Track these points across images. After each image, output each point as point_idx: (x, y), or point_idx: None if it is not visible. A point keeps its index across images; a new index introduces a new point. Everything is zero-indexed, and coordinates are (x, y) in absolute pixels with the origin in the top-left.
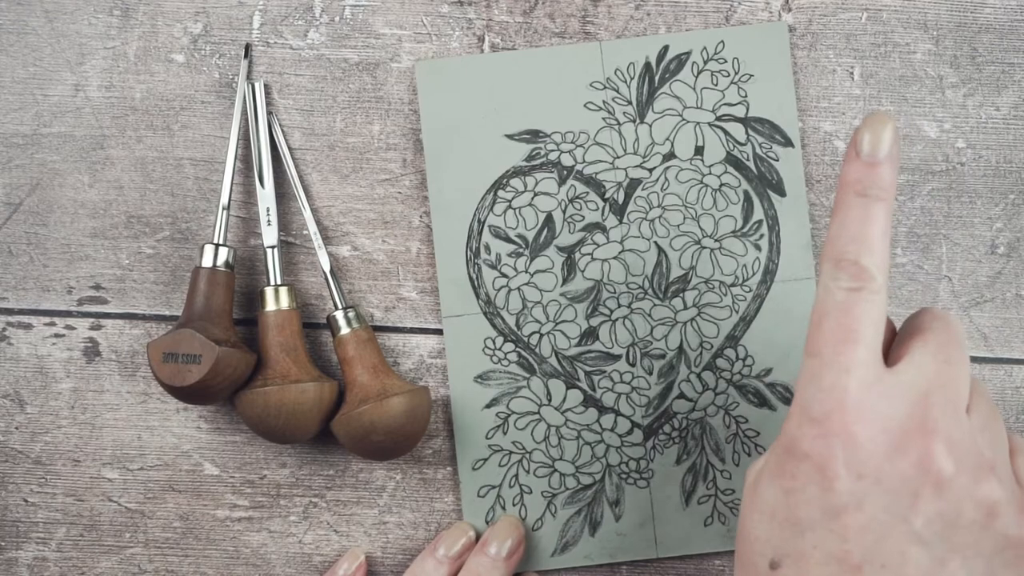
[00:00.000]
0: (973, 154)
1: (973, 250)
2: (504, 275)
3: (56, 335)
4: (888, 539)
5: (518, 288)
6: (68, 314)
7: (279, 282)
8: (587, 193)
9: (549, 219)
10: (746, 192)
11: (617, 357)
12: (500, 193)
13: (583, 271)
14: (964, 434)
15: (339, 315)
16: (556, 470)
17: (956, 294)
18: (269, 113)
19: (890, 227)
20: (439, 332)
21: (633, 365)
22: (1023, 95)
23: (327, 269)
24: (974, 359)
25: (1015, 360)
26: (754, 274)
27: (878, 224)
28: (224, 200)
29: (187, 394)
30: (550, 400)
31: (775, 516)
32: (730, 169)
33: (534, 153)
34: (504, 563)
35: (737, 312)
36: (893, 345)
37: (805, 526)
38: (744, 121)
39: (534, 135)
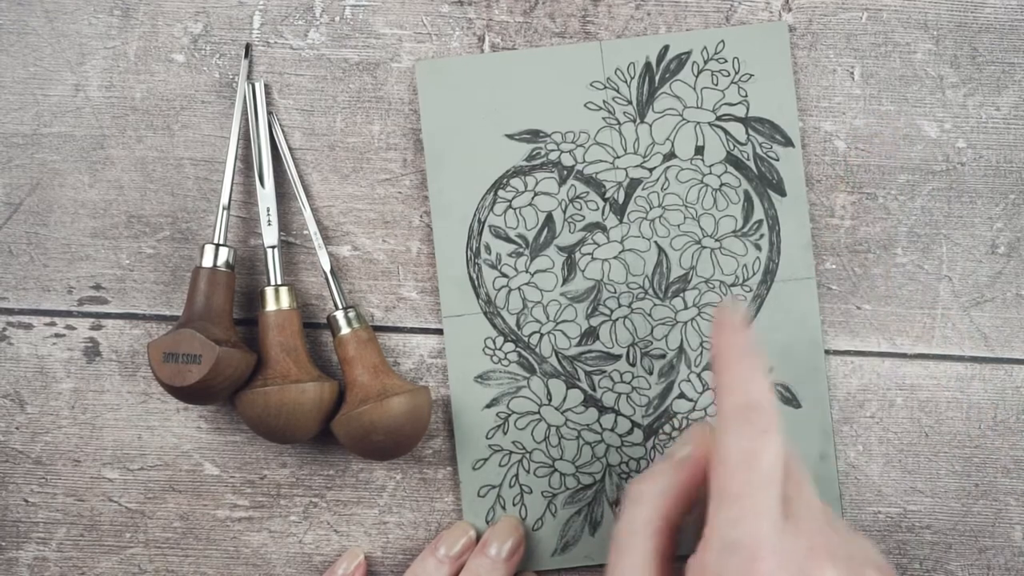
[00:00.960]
0: (973, 154)
1: (973, 250)
2: (504, 275)
3: (56, 335)
4: None
5: (518, 288)
6: (68, 314)
7: (279, 282)
8: (587, 193)
9: (549, 219)
10: (746, 192)
11: (617, 357)
12: (500, 193)
13: (583, 271)
14: (837, 543)
15: (339, 315)
16: (556, 470)
17: (956, 294)
18: (269, 113)
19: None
20: (439, 332)
21: (633, 365)
22: (1023, 95)
23: (327, 269)
24: (974, 359)
25: (1015, 360)
26: (754, 274)
27: (763, 375)
28: (224, 200)
29: (187, 394)
30: (550, 400)
31: None
32: (730, 169)
33: (534, 153)
34: (504, 564)
35: None
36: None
37: None
38: (744, 121)
39: (534, 135)
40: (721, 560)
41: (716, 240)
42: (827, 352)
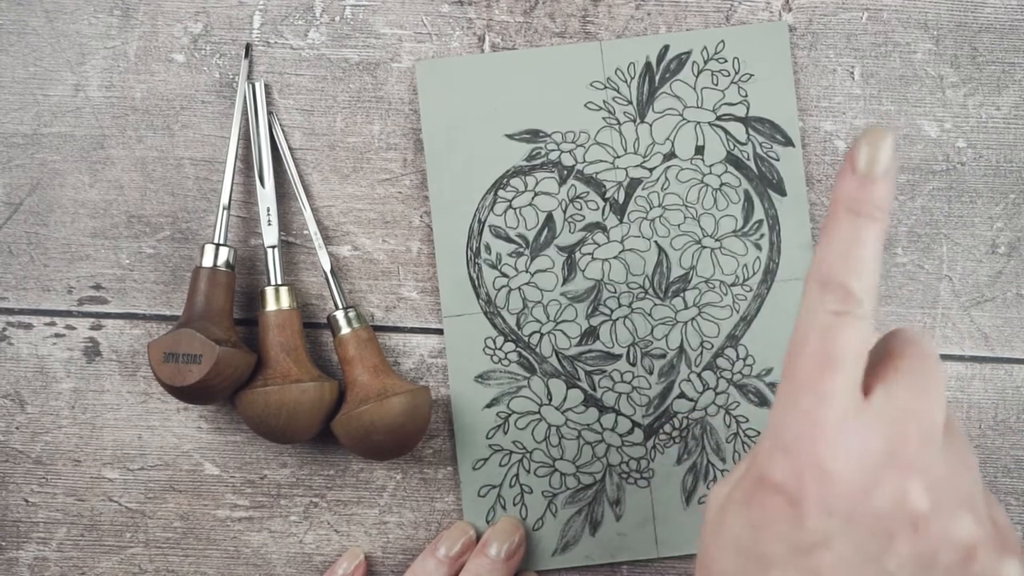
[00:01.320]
0: (973, 154)
1: (974, 250)
2: (504, 275)
3: (56, 335)
4: None
5: (518, 288)
6: (68, 314)
7: (279, 282)
8: (587, 193)
9: (549, 219)
10: (746, 192)
11: (618, 357)
12: (500, 193)
13: (583, 271)
14: (940, 469)
15: (339, 315)
16: (557, 470)
17: (956, 294)
18: (269, 113)
19: (882, 249)
20: (439, 332)
21: (634, 365)
22: (1023, 95)
23: (327, 269)
24: (974, 359)
25: (1015, 360)
26: (754, 273)
27: (869, 246)
28: (224, 200)
29: (187, 394)
30: (550, 400)
31: (740, 549)
32: (730, 169)
33: (534, 153)
34: (504, 564)
35: (738, 312)
36: (867, 368)
37: (772, 562)
38: (744, 121)
39: (534, 135)
40: (774, 440)
41: (716, 240)
42: None
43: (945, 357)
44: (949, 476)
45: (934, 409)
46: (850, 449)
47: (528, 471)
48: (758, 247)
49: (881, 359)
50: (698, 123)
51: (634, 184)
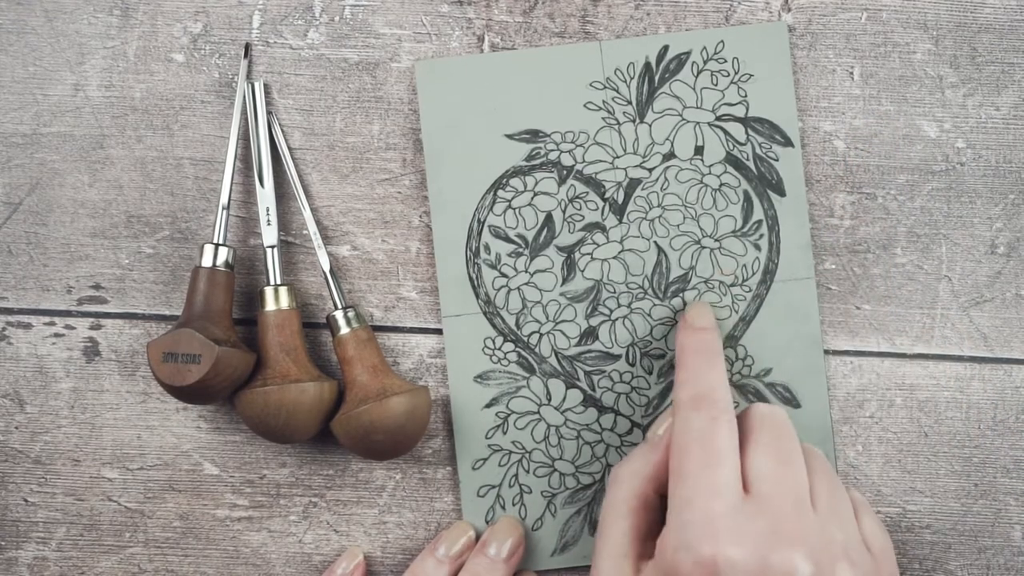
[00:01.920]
0: (973, 154)
1: (973, 250)
2: (504, 275)
3: (56, 335)
4: None
5: (518, 288)
6: (68, 314)
7: (279, 282)
8: (587, 193)
9: (549, 219)
10: (746, 192)
11: (617, 357)
12: (500, 193)
13: (583, 271)
14: (815, 533)
15: (339, 315)
16: (556, 470)
17: (956, 294)
18: (269, 113)
19: (725, 371)
20: (439, 332)
21: (633, 365)
22: (1023, 95)
23: (327, 269)
24: (973, 359)
25: (1015, 360)
26: (754, 274)
27: (717, 369)
28: (224, 200)
29: (187, 394)
30: (550, 400)
31: None
32: (730, 169)
33: (534, 153)
34: (504, 564)
35: (737, 312)
36: None
37: None
38: (744, 121)
39: (534, 135)
40: (678, 539)
41: (716, 240)
42: (826, 352)
43: (944, 357)
44: (823, 535)
45: (798, 477)
46: (743, 537)
47: (527, 471)
48: (757, 247)
49: (743, 436)
50: (697, 123)
51: (633, 184)
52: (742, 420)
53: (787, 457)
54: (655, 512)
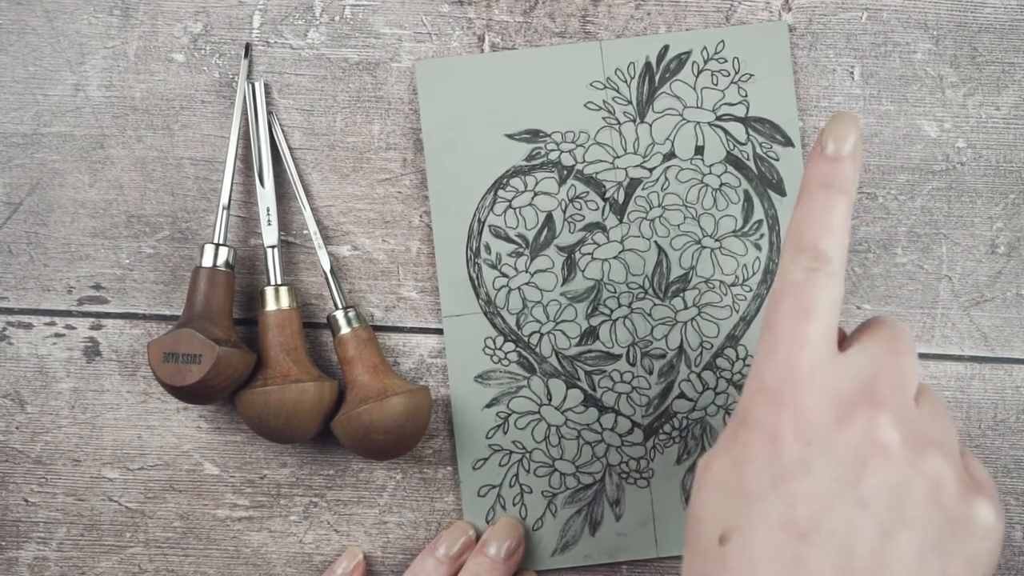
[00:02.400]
0: (973, 154)
1: (973, 250)
2: (504, 275)
3: (56, 335)
4: (835, 507)
5: (518, 288)
6: (68, 314)
7: (279, 282)
8: (587, 193)
9: (549, 219)
10: (746, 192)
11: (617, 357)
12: (500, 193)
13: (583, 271)
14: (910, 412)
15: (339, 315)
16: (556, 470)
17: (956, 294)
18: (269, 113)
19: (850, 220)
20: (439, 332)
21: (633, 365)
22: (1023, 95)
23: (327, 269)
24: (974, 359)
25: (1015, 360)
26: (754, 274)
27: (838, 212)
28: (224, 200)
29: (187, 394)
30: (550, 400)
31: (725, 489)
32: (730, 169)
33: (534, 153)
34: (504, 564)
35: (737, 312)
36: (846, 341)
37: (754, 496)
38: (744, 121)
39: (534, 135)
40: (755, 383)
41: (716, 240)
42: None
43: (944, 357)
44: (920, 420)
45: (905, 367)
46: (824, 387)
47: (528, 471)
48: (758, 247)
49: (860, 331)
50: (698, 123)
51: (634, 184)
52: (863, 324)
53: (898, 351)
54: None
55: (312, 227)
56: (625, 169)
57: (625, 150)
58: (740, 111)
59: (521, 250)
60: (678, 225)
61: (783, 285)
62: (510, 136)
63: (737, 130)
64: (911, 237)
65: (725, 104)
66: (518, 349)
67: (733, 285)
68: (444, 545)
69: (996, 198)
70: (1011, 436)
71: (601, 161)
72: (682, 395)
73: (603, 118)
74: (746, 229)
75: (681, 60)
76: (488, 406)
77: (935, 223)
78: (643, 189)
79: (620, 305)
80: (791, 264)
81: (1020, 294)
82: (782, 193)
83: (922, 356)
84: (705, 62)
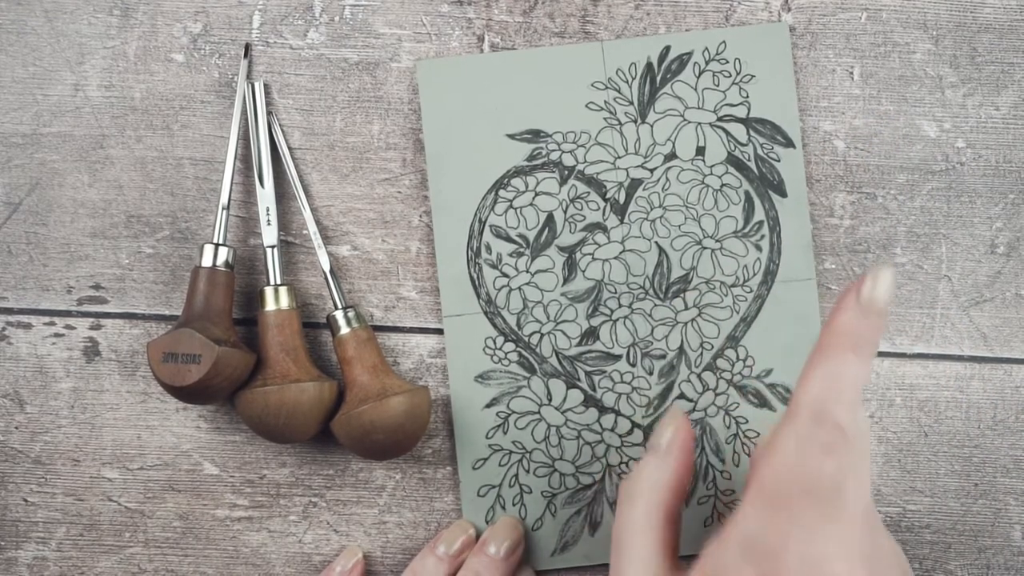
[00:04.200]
0: (973, 154)
1: (973, 250)
2: (505, 275)
3: (56, 335)
4: None
5: (519, 288)
6: (68, 314)
7: (279, 282)
8: (588, 193)
9: (550, 219)
10: (747, 192)
11: (618, 357)
12: (501, 193)
13: (584, 271)
14: None
15: (339, 315)
16: (556, 470)
17: (956, 294)
18: (269, 113)
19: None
20: (439, 332)
21: (633, 365)
22: (1023, 95)
23: (327, 269)
24: (973, 359)
25: (1015, 360)
26: (755, 274)
27: (860, 384)
28: (224, 200)
29: (187, 394)
30: (550, 400)
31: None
32: (731, 169)
33: (535, 153)
34: (503, 563)
35: (738, 312)
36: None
37: None
38: (745, 122)
39: (535, 135)
40: (741, 556)
41: (717, 241)
42: None
43: (944, 357)
44: None
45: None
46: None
47: (528, 471)
48: (758, 248)
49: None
50: (699, 124)
51: (635, 185)
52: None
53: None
54: (677, 525)
55: (312, 227)
56: (626, 169)
57: (626, 150)
58: (741, 112)
59: (522, 250)
60: (679, 226)
61: (798, 456)
62: (511, 136)
63: (738, 131)
64: (910, 237)
65: (726, 105)
66: (518, 349)
67: (734, 286)
68: (444, 543)
69: (995, 198)
70: (1010, 436)
71: (602, 161)
72: (682, 396)
73: (604, 118)
74: (747, 230)
75: (682, 61)
76: (488, 406)
77: (934, 223)
78: (644, 190)
79: (620, 305)
80: (808, 434)
81: (1019, 294)
82: (783, 194)
83: (922, 356)
84: (707, 63)
